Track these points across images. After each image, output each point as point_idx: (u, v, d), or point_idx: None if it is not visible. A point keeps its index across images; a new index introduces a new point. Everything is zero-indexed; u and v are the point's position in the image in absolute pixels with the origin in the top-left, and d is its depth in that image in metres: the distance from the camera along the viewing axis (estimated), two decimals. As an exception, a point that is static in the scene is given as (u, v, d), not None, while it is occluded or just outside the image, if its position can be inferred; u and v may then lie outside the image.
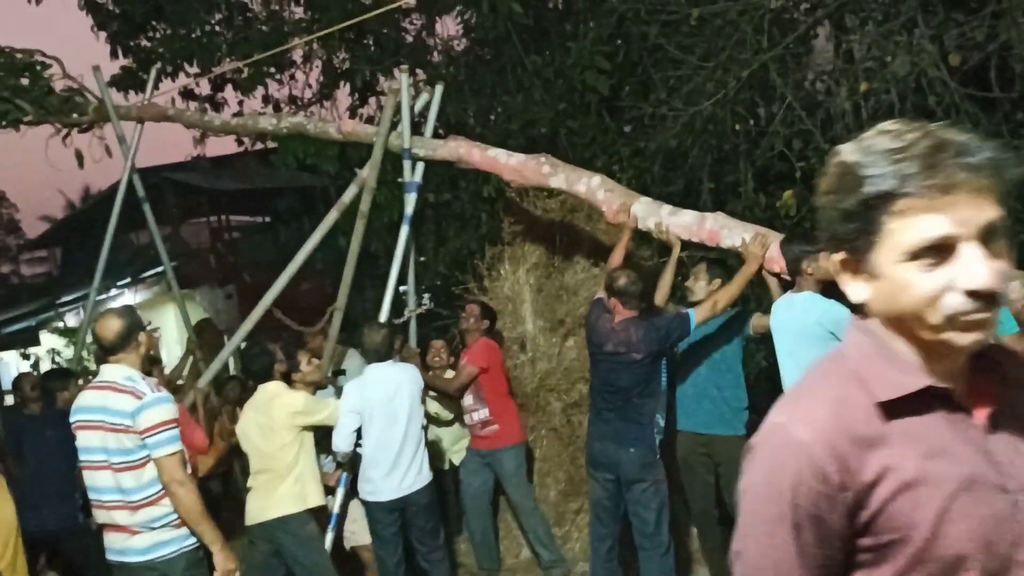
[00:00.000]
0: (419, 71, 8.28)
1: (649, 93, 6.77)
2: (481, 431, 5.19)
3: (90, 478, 3.30)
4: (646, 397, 4.23)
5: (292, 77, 10.09)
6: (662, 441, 4.31)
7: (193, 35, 9.08)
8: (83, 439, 3.30)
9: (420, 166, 5.46)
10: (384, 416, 4.57)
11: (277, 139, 10.37)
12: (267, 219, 21.10)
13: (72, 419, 3.35)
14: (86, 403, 3.33)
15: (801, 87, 6.00)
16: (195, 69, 9.41)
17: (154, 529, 3.22)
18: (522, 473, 5.17)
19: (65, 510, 4.87)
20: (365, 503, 4.70)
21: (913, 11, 5.16)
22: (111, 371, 3.30)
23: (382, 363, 4.68)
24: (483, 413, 5.16)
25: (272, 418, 4.29)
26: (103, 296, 18.47)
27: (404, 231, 5.43)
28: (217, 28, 9.74)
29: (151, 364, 4.36)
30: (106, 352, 3.33)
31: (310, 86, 10.38)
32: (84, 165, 7.06)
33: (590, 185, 4.78)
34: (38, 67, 6.70)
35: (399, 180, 5.55)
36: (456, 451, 5.63)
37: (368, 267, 5.53)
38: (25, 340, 18.56)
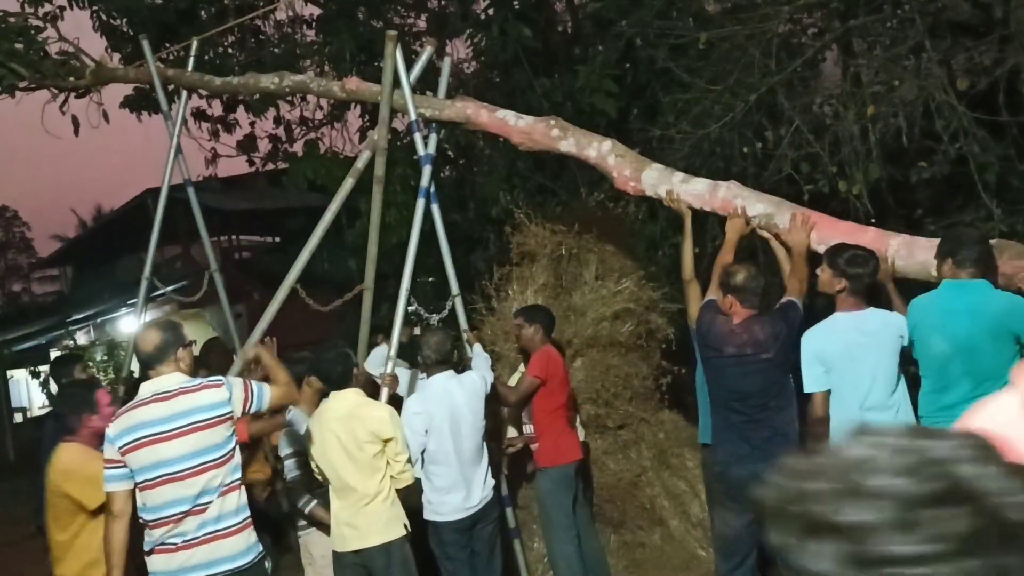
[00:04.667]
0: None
1: (657, 116, 6.81)
2: (532, 446, 4.82)
3: (180, 489, 3.14)
4: (784, 403, 3.79)
5: (303, 99, 10.18)
6: None
7: (206, 57, 9.17)
8: (169, 450, 3.14)
9: (432, 138, 5.28)
10: (455, 430, 4.23)
11: (288, 160, 10.57)
12: (277, 239, 21.27)
13: (134, 436, 3.14)
14: (152, 416, 3.17)
15: (809, 110, 6.02)
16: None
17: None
18: (548, 501, 4.67)
19: None
20: (434, 525, 4.28)
21: (921, 36, 5.19)
22: (165, 382, 3.23)
23: (444, 372, 4.31)
24: (530, 427, 4.79)
25: (355, 433, 3.86)
26: (114, 315, 18.63)
27: (420, 204, 5.06)
28: (230, 51, 9.85)
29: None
30: (144, 365, 3.32)
31: (321, 108, 10.49)
32: (80, 132, 6.83)
33: (600, 150, 4.62)
34: (32, 31, 6.39)
35: (408, 199, 5.46)
36: None
37: (376, 288, 5.48)
38: (35, 358, 18.63)
